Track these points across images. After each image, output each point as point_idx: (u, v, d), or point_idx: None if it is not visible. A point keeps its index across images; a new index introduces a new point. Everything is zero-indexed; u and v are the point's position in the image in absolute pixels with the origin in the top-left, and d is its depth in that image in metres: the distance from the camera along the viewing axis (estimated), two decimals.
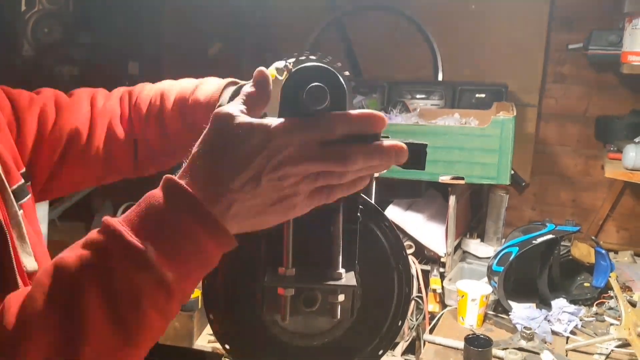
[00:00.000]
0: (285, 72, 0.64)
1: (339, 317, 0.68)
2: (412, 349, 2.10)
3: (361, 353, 0.80)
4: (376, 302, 0.78)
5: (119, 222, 0.59)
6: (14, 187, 0.84)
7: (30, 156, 0.93)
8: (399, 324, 0.79)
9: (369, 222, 0.77)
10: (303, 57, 0.72)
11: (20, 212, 0.83)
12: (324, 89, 0.58)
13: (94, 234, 0.60)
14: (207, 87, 0.96)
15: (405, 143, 0.63)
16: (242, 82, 0.94)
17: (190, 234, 0.57)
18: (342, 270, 0.68)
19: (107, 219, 0.60)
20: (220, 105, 0.90)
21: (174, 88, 1.00)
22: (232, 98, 0.90)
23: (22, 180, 0.87)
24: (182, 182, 0.59)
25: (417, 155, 0.65)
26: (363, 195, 0.73)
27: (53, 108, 0.95)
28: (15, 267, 0.74)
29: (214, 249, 0.59)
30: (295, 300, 0.67)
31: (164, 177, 0.61)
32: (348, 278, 0.68)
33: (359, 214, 0.71)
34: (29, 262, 0.81)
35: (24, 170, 0.89)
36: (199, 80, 1.00)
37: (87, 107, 0.98)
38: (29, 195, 0.88)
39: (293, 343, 0.77)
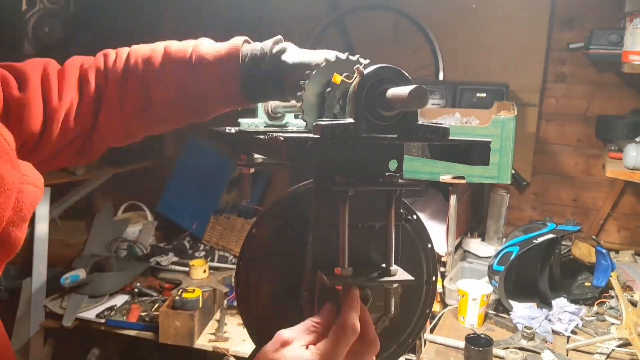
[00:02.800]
0: (356, 74, 0.65)
1: (393, 312, 0.70)
2: (412, 348, 2.10)
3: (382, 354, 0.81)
4: (408, 292, 0.80)
5: None
6: None
7: None
8: (427, 311, 0.82)
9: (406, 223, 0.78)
10: (344, 58, 0.75)
11: None
12: (425, 90, 0.59)
13: None
14: (213, 44, 0.85)
15: (471, 141, 0.66)
16: (256, 44, 0.84)
17: None
18: (396, 267, 0.69)
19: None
20: (246, 57, 0.80)
21: (157, 50, 0.86)
22: (255, 57, 0.81)
23: None
24: None
25: (482, 152, 0.66)
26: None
27: (0, 107, 0.80)
28: None
29: None
30: None
31: None
32: (401, 273, 0.70)
33: (401, 211, 0.73)
34: None
35: None
36: (189, 41, 0.87)
37: (40, 104, 0.83)
38: None
39: None
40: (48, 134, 0.84)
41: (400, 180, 0.70)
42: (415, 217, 0.80)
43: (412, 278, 0.69)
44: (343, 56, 0.76)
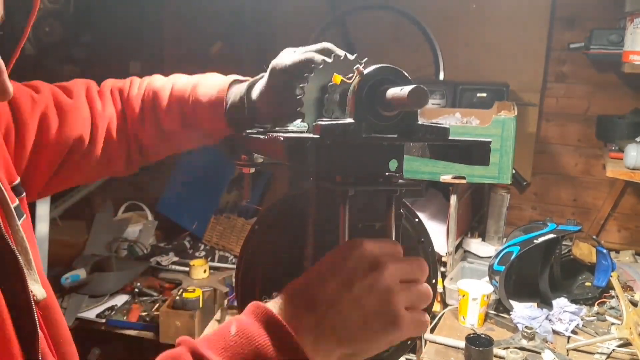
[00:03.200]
0: (355, 74, 0.65)
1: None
2: (413, 348, 2.10)
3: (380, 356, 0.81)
4: None
5: None
6: (13, 206, 0.76)
7: (27, 164, 0.87)
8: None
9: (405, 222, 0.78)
10: (342, 57, 0.75)
11: (24, 236, 0.76)
12: (425, 90, 0.59)
13: None
14: (208, 85, 0.93)
15: (471, 141, 0.66)
16: (246, 79, 0.92)
17: None
18: None
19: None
20: (227, 104, 0.89)
21: (167, 85, 0.96)
22: (242, 97, 0.89)
23: (17, 201, 0.79)
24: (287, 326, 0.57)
25: (483, 152, 0.67)
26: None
27: (54, 112, 0.90)
28: (31, 299, 0.69)
29: None
30: None
31: (266, 313, 0.58)
32: None
33: (401, 211, 0.73)
34: (38, 291, 0.75)
35: (17, 181, 0.82)
36: (196, 77, 0.97)
37: (87, 110, 0.94)
38: (25, 216, 0.80)
39: None
40: (95, 141, 0.93)
41: (400, 181, 0.70)
42: (417, 220, 0.80)
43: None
44: (319, 58, 0.78)
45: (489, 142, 0.66)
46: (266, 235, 0.76)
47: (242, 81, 0.93)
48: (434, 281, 0.82)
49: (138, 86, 0.98)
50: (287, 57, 0.82)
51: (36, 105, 0.88)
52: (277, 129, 0.87)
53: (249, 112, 0.87)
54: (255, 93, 0.87)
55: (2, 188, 0.73)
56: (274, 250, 0.76)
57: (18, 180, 0.82)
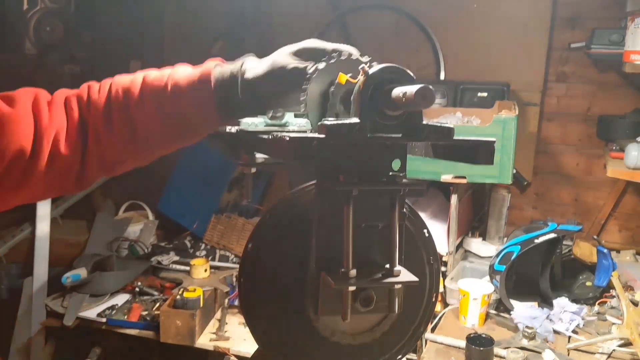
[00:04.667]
0: (361, 74, 0.65)
1: (396, 311, 0.70)
2: (414, 347, 2.10)
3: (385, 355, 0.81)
4: (408, 305, 0.79)
5: None
6: None
7: None
8: (421, 329, 0.82)
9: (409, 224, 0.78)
10: (344, 58, 0.75)
11: None
12: (431, 90, 0.59)
13: None
14: (187, 69, 0.86)
15: (476, 141, 0.66)
16: (229, 63, 0.86)
17: None
18: (400, 268, 0.69)
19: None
20: (214, 83, 0.82)
21: (136, 79, 0.88)
22: (227, 80, 0.82)
23: None
24: None
25: (487, 151, 0.67)
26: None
27: None
28: None
29: None
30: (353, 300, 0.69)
31: None
32: (405, 274, 0.70)
33: (405, 210, 0.73)
34: None
35: None
36: (166, 69, 0.88)
37: (31, 121, 0.85)
38: None
39: (325, 340, 0.78)
40: (38, 154, 0.84)
41: (404, 180, 0.70)
42: (426, 231, 0.80)
43: (415, 279, 0.69)
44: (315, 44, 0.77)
45: (494, 142, 0.66)
46: (270, 236, 0.76)
47: (222, 65, 0.86)
48: (434, 294, 0.82)
49: (99, 89, 0.89)
50: (282, 58, 0.80)
51: None
52: (280, 128, 0.86)
53: (242, 92, 0.81)
54: (252, 71, 0.81)
55: None
56: (277, 251, 0.75)
57: None
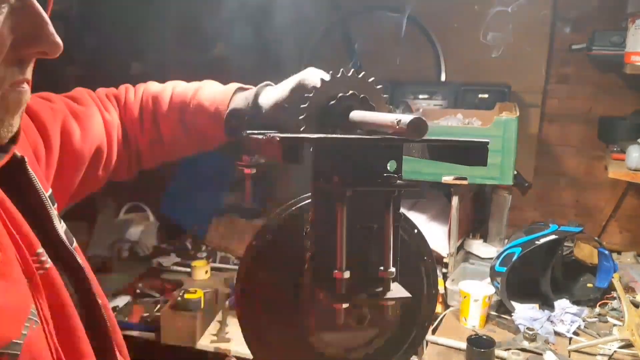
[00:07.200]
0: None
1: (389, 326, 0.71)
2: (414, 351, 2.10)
3: None
4: (406, 313, 0.80)
5: None
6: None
7: (54, 179, 0.82)
8: (425, 324, 0.81)
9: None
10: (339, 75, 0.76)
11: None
12: (426, 123, 0.59)
13: None
14: (210, 91, 0.93)
15: (469, 142, 0.66)
16: (250, 87, 0.92)
17: None
18: (393, 269, 0.69)
19: None
20: (232, 111, 0.89)
21: (166, 90, 0.96)
22: (246, 105, 0.88)
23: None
24: None
25: (480, 153, 0.67)
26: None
27: (72, 121, 0.86)
28: (100, 304, 0.70)
29: None
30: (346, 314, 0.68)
31: None
32: (397, 288, 0.69)
33: (401, 212, 0.73)
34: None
35: (50, 193, 0.74)
36: (197, 83, 0.96)
37: (100, 119, 0.92)
38: (75, 242, 0.74)
39: (320, 352, 0.77)
40: (110, 147, 0.93)
41: (398, 182, 0.70)
42: (416, 231, 0.80)
43: (408, 295, 0.68)
44: (325, 76, 0.78)
45: (487, 143, 0.66)
46: (267, 242, 0.76)
47: (246, 89, 0.92)
48: (434, 291, 0.82)
49: (134, 93, 0.98)
50: (315, 77, 0.81)
51: (56, 115, 0.84)
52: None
53: (251, 118, 0.87)
54: (266, 100, 0.86)
55: (48, 202, 0.69)
56: (275, 256, 0.76)
57: (50, 192, 0.77)
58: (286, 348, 0.77)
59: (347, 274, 0.66)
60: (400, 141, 0.68)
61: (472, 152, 0.66)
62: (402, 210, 0.73)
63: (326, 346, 0.76)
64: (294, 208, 0.77)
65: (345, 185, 0.67)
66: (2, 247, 0.56)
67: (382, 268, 0.68)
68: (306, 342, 0.76)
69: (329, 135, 0.70)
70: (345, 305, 0.66)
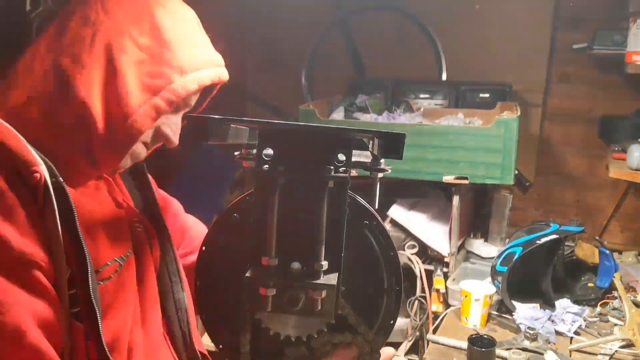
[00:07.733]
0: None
1: (317, 311, 0.69)
2: (415, 348, 2.11)
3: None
4: (365, 300, 0.79)
5: None
6: None
7: None
8: (391, 322, 0.80)
9: (358, 220, 0.78)
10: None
11: None
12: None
13: None
14: None
15: (385, 132, 0.66)
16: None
17: None
18: (324, 262, 0.68)
19: None
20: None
21: None
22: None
23: None
24: None
25: (395, 144, 0.67)
26: (352, 193, 0.75)
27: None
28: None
29: None
30: (278, 299, 0.68)
31: None
32: (329, 277, 0.69)
33: (346, 207, 0.72)
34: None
35: None
36: None
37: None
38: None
39: (280, 336, 0.78)
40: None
41: (339, 174, 0.69)
42: (375, 222, 0.79)
43: (333, 283, 0.68)
44: None
45: (404, 135, 0.66)
46: (222, 237, 0.82)
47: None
48: (397, 288, 0.80)
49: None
50: None
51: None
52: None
53: None
54: None
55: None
56: (228, 247, 0.79)
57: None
58: (244, 334, 0.79)
59: (274, 262, 0.66)
60: (337, 132, 0.68)
61: (388, 142, 0.66)
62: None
63: (280, 328, 0.76)
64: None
65: (277, 171, 0.67)
66: (117, 214, 0.88)
67: (314, 259, 0.68)
68: (261, 327, 0.77)
69: (233, 118, 0.69)
70: (270, 292, 0.66)
